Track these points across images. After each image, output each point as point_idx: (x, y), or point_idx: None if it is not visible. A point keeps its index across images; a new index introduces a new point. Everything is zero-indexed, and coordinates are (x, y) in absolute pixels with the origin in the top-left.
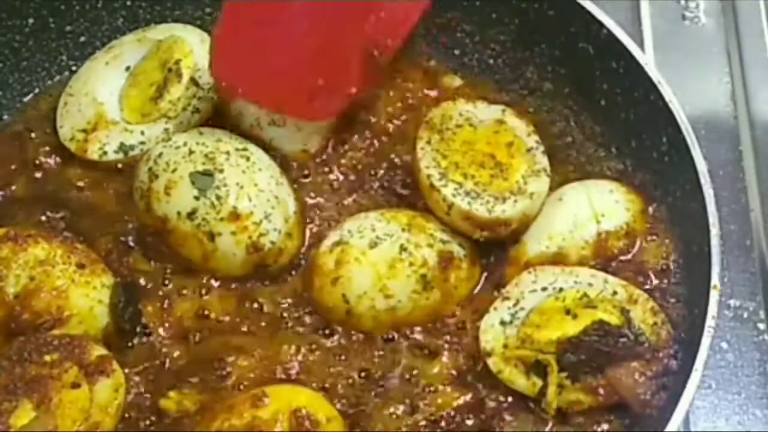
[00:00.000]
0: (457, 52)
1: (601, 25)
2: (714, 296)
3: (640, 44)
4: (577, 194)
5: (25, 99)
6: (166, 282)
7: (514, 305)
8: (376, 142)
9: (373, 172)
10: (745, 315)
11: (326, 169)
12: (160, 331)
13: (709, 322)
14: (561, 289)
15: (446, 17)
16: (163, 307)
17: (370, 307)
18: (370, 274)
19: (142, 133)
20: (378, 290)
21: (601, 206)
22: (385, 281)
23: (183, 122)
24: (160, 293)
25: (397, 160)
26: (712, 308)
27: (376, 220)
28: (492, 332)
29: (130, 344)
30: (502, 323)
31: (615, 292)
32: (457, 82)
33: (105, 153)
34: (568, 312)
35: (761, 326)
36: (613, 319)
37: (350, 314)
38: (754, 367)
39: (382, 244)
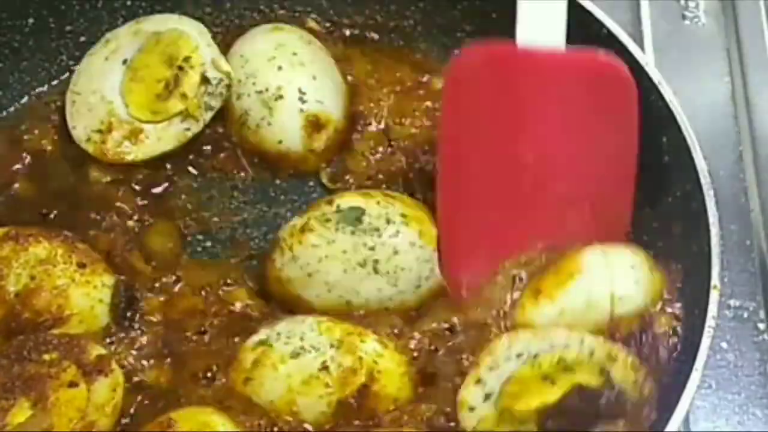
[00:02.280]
0: (457, 52)
1: (601, 25)
2: (714, 296)
3: (640, 44)
4: (597, 268)
5: (25, 99)
6: (166, 280)
7: (490, 374)
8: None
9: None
10: (745, 315)
11: None
12: (160, 328)
13: (709, 322)
14: (536, 355)
15: (446, 17)
16: (165, 304)
17: (275, 416)
18: (283, 385)
19: (159, 132)
20: (285, 402)
21: (620, 289)
22: (295, 396)
23: (198, 120)
24: (161, 293)
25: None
26: (712, 308)
27: (309, 329)
28: (470, 407)
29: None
30: (479, 397)
31: (593, 352)
32: None
33: (123, 153)
34: (546, 378)
35: (761, 326)
36: (593, 380)
37: None
38: (754, 367)
39: (305, 357)
